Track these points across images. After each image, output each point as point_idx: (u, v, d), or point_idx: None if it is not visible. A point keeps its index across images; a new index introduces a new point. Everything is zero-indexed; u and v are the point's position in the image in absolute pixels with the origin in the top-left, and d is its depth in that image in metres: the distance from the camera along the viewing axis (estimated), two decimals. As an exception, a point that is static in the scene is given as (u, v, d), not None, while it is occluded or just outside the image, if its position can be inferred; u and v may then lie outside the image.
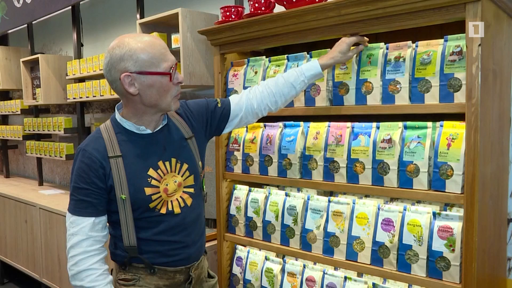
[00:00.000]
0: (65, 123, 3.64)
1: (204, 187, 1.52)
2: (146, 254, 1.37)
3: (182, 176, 1.42)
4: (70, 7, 3.58)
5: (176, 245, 1.40)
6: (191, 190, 1.44)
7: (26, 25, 4.24)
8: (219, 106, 1.57)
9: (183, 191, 1.42)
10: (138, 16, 2.90)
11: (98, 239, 1.34)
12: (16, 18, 4.04)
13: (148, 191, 1.35)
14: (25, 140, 4.25)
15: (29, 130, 4.13)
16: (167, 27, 2.64)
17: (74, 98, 3.48)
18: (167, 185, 1.38)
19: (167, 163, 1.39)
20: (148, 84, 1.30)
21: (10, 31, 4.62)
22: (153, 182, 1.36)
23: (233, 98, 1.60)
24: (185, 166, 1.43)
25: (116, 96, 2.95)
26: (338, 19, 1.62)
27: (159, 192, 1.36)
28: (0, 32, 4.52)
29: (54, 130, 3.74)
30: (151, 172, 1.36)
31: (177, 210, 1.40)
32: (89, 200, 1.32)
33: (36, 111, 4.32)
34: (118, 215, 1.35)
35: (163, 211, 1.37)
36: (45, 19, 4.13)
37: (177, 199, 1.40)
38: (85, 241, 1.31)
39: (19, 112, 4.29)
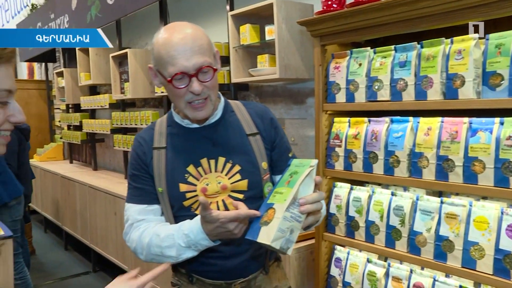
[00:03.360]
0: (152, 117, 3.86)
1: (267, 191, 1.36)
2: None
3: (229, 179, 1.32)
4: (158, 1, 3.79)
5: (211, 253, 1.30)
6: (240, 196, 1.32)
7: (114, 21, 4.56)
8: (290, 155, 1.43)
9: (229, 195, 1.32)
10: (228, 7, 2.99)
11: (152, 222, 1.32)
12: (109, 14, 4.35)
13: (182, 187, 1.31)
14: (112, 134, 4.59)
15: (117, 124, 4.44)
16: (259, 18, 2.70)
17: (162, 92, 3.69)
18: (207, 184, 1.31)
19: (212, 162, 1.32)
20: (162, 82, 1.30)
21: (100, 27, 4.99)
22: (190, 179, 1.31)
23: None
24: (237, 168, 1.32)
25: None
26: (456, 5, 1.56)
27: (195, 191, 1.31)
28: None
29: (141, 124, 3.98)
30: (190, 168, 1.32)
31: None
32: (141, 186, 1.35)
33: (123, 105, 4.64)
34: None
35: (199, 211, 1.26)
36: (131, 14, 4.41)
37: (217, 202, 1.31)
38: (136, 223, 1.33)
39: (107, 107, 4.63)
